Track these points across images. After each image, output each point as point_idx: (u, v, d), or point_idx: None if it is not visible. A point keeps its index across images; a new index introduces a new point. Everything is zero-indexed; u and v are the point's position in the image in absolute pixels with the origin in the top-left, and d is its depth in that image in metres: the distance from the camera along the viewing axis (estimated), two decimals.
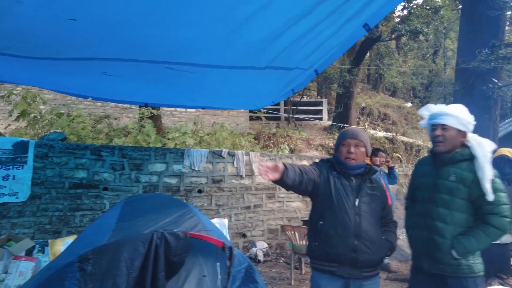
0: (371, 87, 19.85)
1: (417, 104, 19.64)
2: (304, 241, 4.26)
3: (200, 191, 5.61)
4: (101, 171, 5.08)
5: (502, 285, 4.05)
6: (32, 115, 6.05)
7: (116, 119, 7.97)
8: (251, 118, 12.52)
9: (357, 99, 16.00)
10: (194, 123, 9.03)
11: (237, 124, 11.87)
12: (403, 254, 5.20)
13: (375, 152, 4.94)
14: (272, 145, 8.97)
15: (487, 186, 1.93)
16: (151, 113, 8.20)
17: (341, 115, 12.16)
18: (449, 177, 2.02)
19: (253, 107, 5.68)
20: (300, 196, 6.37)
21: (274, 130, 10.47)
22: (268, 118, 12.34)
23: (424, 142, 11.38)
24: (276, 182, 1.85)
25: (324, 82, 12.00)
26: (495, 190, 1.94)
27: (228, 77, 3.58)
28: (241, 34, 2.47)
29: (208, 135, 7.98)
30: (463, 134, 2.04)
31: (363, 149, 2.10)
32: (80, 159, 4.96)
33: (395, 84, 19.57)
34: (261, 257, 5.24)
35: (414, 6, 10.65)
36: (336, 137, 10.72)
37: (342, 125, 11.62)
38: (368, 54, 16.55)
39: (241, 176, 5.92)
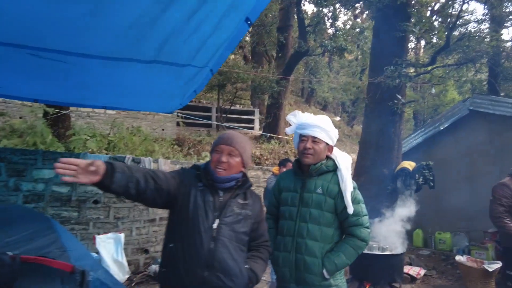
0: (304, 101, 20.54)
1: (345, 119, 20.69)
2: None
3: (96, 202, 4.98)
4: None
5: None
6: None
7: (21, 118, 6.93)
8: (178, 124, 11.99)
9: (289, 110, 16.40)
10: (112, 126, 8.28)
11: (163, 130, 11.26)
12: None
13: (284, 162, 4.83)
14: (192, 153, 8.56)
15: (348, 198, 1.84)
16: (57, 112, 7.31)
17: (270, 125, 12.21)
18: (316, 190, 1.86)
19: (159, 109, 5.28)
20: None
21: (200, 137, 10.08)
22: (197, 125, 11.93)
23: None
24: (100, 187, 1.45)
25: (254, 91, 11.96)
26: (357, 201, 1.88)
27: (114, 70, 3.18)
28: (100, 18, 2.12)
29: (122, 139, 7.32)
30: (330, 147, 1.98)
31: (237, 159, 1.74)
32: None
33: (326, 99, 20.46)
34: None
35: (340, 26, 11.20)
36: (269, 147, 10.73)
37: (271, 135, 11.69)
38: (301, 68, 17.13)
39: None
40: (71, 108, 10.31)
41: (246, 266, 1.69)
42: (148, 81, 3.56)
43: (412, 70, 5.59)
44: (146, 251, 5.24)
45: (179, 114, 11.52)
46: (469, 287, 4.46)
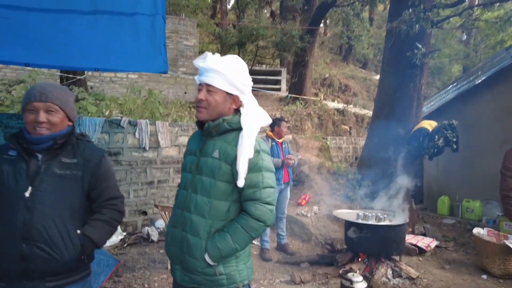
0: (341, 58, 19.19)
1: None
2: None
3: None
4: None
5: (392, 268, 3.72)
6: None
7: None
8: None
9: (323, 69, 15.41)
10: (131, 90, 8.29)
11: (185, 93, 11.19)
12: (307, 233, 4.83)
13: (277, 122, 4.43)
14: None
15: (241, 166, 1.40)
16: (73, 77, 7.44)
17: (296, 85, 11.57)
18: (212, 153, 1.48)
19: (144, 69, 5.08)
20: None
21: None
22: None
23: None
24: None
25: (277, 49, 11.24)
26: (258, 168, 1.42)
27: (60, 25, 2.98)
28: None
29: (131, 102, 7.28)
30: (234, 98, 1.50)
31: (60, 115, 1.50)
32: None
33: (366, 56, 18.95)
34: (155, 236, 4.78)
35: None
36: (292, 108, 10.23)
37: (295, 96, 11.10)
38: (336, 22, 15.75)
39: (144, 149, 5.33)
40: (95, 73, 10.55)
41: (78, 231, 1.49)
42: (108, 38, 3.32)
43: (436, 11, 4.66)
44: (144, 213, 5.28)
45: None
46: (486, 263, 3.90)
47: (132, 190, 5.22)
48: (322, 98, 12.23)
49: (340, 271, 3.39)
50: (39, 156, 1.48)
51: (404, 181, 4.63)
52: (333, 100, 12.73)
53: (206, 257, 1.39)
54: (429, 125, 5.05)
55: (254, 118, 1.48)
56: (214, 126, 1.47)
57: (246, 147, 1.40)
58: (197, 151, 1.55)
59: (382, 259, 3.76)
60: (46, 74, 8.55)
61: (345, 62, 18.89)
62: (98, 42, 3.52)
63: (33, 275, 1.41)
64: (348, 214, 4.04)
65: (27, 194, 1.42)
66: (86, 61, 4.58)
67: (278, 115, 9.81)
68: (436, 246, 4.64)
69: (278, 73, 12.88)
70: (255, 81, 10.95)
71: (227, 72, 1.45)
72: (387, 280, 3.59)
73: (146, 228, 4.91)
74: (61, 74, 7.90)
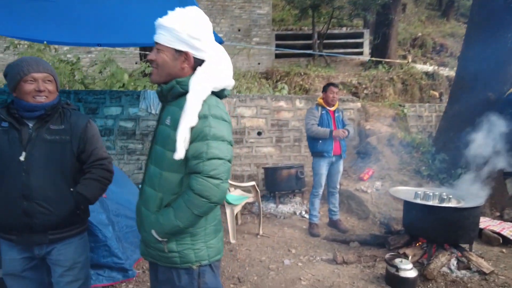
0: (440, 14, 16.50)
1: None
2: None
3: None
4: None
5: (458, 258, 3.15)
6: None
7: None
8: (277, 56, 11.54)
9: (415, 28, 13.54)
10: None
11: (258, 64, 11.12)
12: (364, 211, 4.40)
13: (325, 87, 4.02)
14: (279, 85, 8.12)
15: (178, 136, 1.23)
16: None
17: (378, 47, 10.42)
18: (165, 120, 1.34)
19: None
20: (273, 140, 5.75)
21: (288, 68, 9.50)
22: (297, 56, 11.26)
23: None
24: None
25: (354, 7, 10.18)
26: (203, 136, 1.24)
27: (122, 7, 3.28)
28: None
29: None
30: (185, 56, 1.30)
31: (54, 84, 1.69)
32: None
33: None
34: None
35: None
36: (372, 73, 9.36)
37: (378, 59, 10.05)
38: None
39: None
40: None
41: (72, 189, 1.67)
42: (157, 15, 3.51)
43: None
44: None
45: (276, 47, 11.05)
46: None
47: None
48: (410, 60, 10.81)
49: (387, 255, 3.01)
50: (30, 124, 1.65)
51: (491, 156, 3.83)
52: (424, 63, 11.14)
53: (153, 232, 1.31)
54: None
55: (206, 77, 1.27)
56: (168, 90, 1.33)
57: (188, 113, 1.23)
58: (159, 118, 1.44)
59: (446, 246, 3.21)
60: (126, 53, 9.37)
61: (445, 17, 16.19)
62: (150, 19, 3.73)
63: (37, 228, 1.62)
64: (405, 192, 3.52)
65: (22, 158, 1.59)
66: (145, 37, 4.89)
67: (354, 82, 9.07)
68: None
69: (360, 35, 11.76)
70: (332, 45, 10.26)
71: (174, 26, 1.27)
72: (448, 271, 3.06)
73: None
74: (140, 52, 8.55)
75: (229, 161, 1.29)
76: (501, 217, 4.14)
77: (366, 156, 5.51)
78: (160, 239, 1.31)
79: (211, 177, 1.23)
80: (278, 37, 11.35)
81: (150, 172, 1.38)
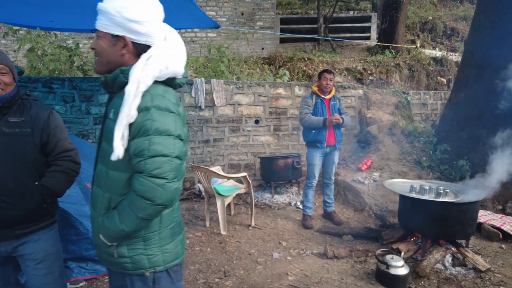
0: None
1: None
2: (210, 184, 3.73)
3: None
4: (53, 103, 5.07)
5: (453, 254, 3.03)
6: (39, 51, 6.16)
7: None
8: (282, 41, 11.27)
9: (426, 11, 13.03)
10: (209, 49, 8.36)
11: (262, 49, 10.88)
12: (361, 202, 4.27)
13: (319, 74, 3.85)
14: (281, 71, 7.92)
15: (116, 132, 1.11)
16: None
17: (386, 31, 10.07)
18: (110, 113, 1.22)
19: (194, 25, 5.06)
20: (271, 129, 5.62)
21: (292, 53, 9.25)
22: (302, 40, 11.00)
23: None
24: None
25: None
26: (145, 131, 1.11)
27: None
28: None
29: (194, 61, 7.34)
30: (123, 41, 1.18)
31: (10, 76, 1.63)
32: (32, 92, 4.99)
33: None
34: None
35: None
36: (377, 59, 9.07)
37: (385, 44, 9.73)
38: None
39: (200, 107, 5.37)
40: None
41: (36, 183, 1.64)
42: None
43: None
44: None
45: (280, 32, 10.77)
46: None
47: (190, 148, 5.38)
48: (418, 45, 10.43)
49: (378, 251, 2.91)
50: None
51: (495, 148, 3.64)
52: (434, 48, 10.74)
53: (101, 236, 1.22)
54: None
55: (150, 65, 1.14)
56: (112, 79, 1.20)
57: (125, 107, 1.11)
58: (105, 112, 1.33)
59: (442, 242, 3.09)
60: None
61: (458, 0, 15.53)
62: None
63: (1, 224, 1.59)
64: (401, 185, 3.38)
65: None
66: None
67: (359, 67, 8.80)
68: None
69: (367, 19, 11.36)
70: (339, 30, 9.92)
71: (109, 9, 1.15)
72: (442, 268, 2.95)
73: (198, 185, 5.07)
74: None
75: (178, 157, 1.16)
76: (503, 211, 3.99)
77: (366, 145, 5.35)
78: (108, 243, 1.22)
79: (154, 176, 1.11)
80: (283, 21, 11.05)
81: (97, 171, 1.28)
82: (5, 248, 1.63)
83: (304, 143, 3.97)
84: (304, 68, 8.77)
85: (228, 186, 3.97)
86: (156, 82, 1.18)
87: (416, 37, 11.52)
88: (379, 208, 4.11)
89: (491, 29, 4.10)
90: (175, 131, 1.15)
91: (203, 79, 5.44)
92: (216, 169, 4.16)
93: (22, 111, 1.65)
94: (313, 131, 3.75)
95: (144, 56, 1.17)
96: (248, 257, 3.23)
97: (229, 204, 4.28)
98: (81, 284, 2.68)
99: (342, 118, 3.71)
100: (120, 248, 1.23)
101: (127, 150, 1.16)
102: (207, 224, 3.97)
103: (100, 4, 1.17)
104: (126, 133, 1.12)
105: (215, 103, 5.40)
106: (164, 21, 4.46)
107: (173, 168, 1.14)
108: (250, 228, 3.89)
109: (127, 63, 1.20)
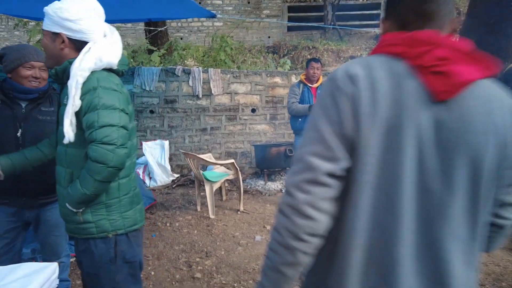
0: None
1: None
2: (200, 170, 3.88)
3: (152, 112, 5.48)
4: None
5: None
6: None
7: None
8: (290, 29, 11.22)
9: None
10: (213, 38, 8.46)
11: (269, 37, 10.88)
12: None
13: (307, 63, 3.90)
14: (285, 60, 7.95)
15: (65, 120, 1.30)
16: (154, 30, 7.99)
17: None
18: (64, 99, 1.41)
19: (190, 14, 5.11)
20: (267, 118, 5.71)
21: (297, 41, 9.23)
22: (309, 28, 10.93)
23: None
24: None
25: None
26: (93, 107, 1.30)
27: None
28: None
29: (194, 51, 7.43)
30: (61, 37, 1.37)
31: (47, 72, 1.87)
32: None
33: None
34: None
35: None
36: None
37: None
38: None
39: (197, 96, 5.51)
40: (184, 24, 11.09)
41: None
42: None
43: None
44: None
45: (288, 21, 10.72)
46: None
47: (187, 136, 5.55)
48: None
49: None
50: (23, 105, 1.85)
51: None
52: None
53: (67, 204, 1.40)
54: None
55: (87, 59, 1.32)
56: (62, 70, 1.40)
57: (70, 98, 1.31)
58: (59, 100, 1.53)
59: None
60: (132, 29, 9.39)
61: None
62: None
63: (29, 193, 1.87)
64: None
65: (18, 134, 1.81)
66: (146, 12, 4.92)
67: (364, 56, 8.71)
68: None
69: (376, 6, 11.15)
70: (347, 17, 9.81)
71: (48, 10, 1.36)
72: None
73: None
74: (145, 28, 8.55)
75: (124, 127, 1.34)
76: None
77: None
78: (74, 210, 1.39)
79: (104, 143, 1.29)
80: (291, 9, 10.99)
81: (58, 151, 1.47)
82: (29, 214, 1.92)
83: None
84: (309, 56, 8.74)
85: (218, 173, 4.11)
86: (102, 69, 1.38)
87: None
88: None
89: (486, 15, 4.03)
90: (119, 105, 1.35)
91: (200, 68, 5.57)
92: (207, 156, 4.30)
93: (51, 102, 1.93)
94: (300, 119, 3.82)
95: (83, 51, 1.35)
96: (231, 239, 3.38)
97: (221, 190, 4.44)
98: (72, 260, 2.89)
99: None
100: (85, 214, 1.40)
101: (81, 128, 1.36)
102: (198, 208, 4.13)
103: (48, 8, 1.37)
104: (74, 120, 1.32)
105: (212, 92, 5.52)
106: (156, 11, 4.62)
107: (120, 136, 1.32)
108: (239, 212, 4.04)
109: (67, 57, 1.38)
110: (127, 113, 1.39)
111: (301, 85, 3.90)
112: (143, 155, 4.97)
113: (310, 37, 10.57)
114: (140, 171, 4.96)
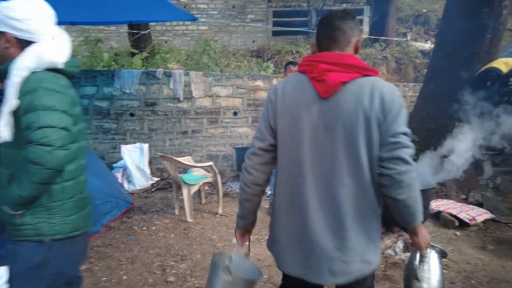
0: None
1: None
2: (178, 173, 3.85)
3: (132, 115, 5.42)
4: None
5: (406, 241, 3.12)
6: None
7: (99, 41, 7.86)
8: (275, 34, 11.29)
9: (422, 4, 12.94)
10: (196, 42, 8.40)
11: (253, 41, 10.91)
12: None
13: (285, 66, 3.93)
14: (269, 64, 7.98)
15: (2, 121, 1.28)
16: (137, 33, 7.92)
17: (376, 24, 10.08)
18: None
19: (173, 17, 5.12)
20: (249, 121, 5.71)
21: (280, 46, 9.29)
22: (293, 33, 11.02)
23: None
24: None
25: None
26: (33, 107, 1.27)
27: None
28: None
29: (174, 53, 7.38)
30: (5, 37, 1.34)
31: None
32: None
33: None
34: None
35: None
36: (365, 52, 9.10)
37: (376, 37, 9.75)
38: None
39: (178, 99, 5.47)
40: (169, 27, 11.02)
41: None
42: None
43: None
44: None
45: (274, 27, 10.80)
46: None
47: (168, 139, 5.50)
48: (409, 38, 10.42)
49: None
50: None
51: (460, 140, 3.72)
52: (426, 41, 10.70)
53: (5, 206, 1.34)
54: (505, 64, 3.78)
55: (28, 58, 1.30)
56: (4, 70, 1.36)
57: (7, 97, 1.28)
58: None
59: (395, 229, 3.19)
60: (115, 32, 9.31)
61: None
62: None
63: None
64: None
65: None
66: (120, 15, 4.87)
67: None
68: (493, 220, 3.70)
69: (359, 12, 11.33)
70: None
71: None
72: (392, 253, 3.05)
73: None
74: (128, 30, 8.48)
75: (65, 129, 1.30)
76: (466, 200, 4.06)
77: None
78: (12, 212, 1.33)
79: (42, 144, 1.25)
80: (276, 14, 11.07)
81: (0, 153, 1.42)
82: None
83: None
84: (292, 60, 8.81)
85: (196, 175, 4.08)
86: (47, 69, 1.34)
87: (408, 30, 11.48)
88: None
89: (460, 19, 4.13)
90: (61, 107, 1.31)
91: (181, 71, 5.54)
92: (186, 159, 4.27)
93: None
94: None
95: (28, 50, 1.32)
96: (208, 243, 3.35)
97: (200, 193, 4.40)
98: None
99: None
100: (24, 217, 1.35)
101: (20, 129, 1.32)
102: (176, 212, 4.09)
103: None
104: (11, 119, 1.29)
105: (194, 94, 5.49)
106: (138, 14, 4.59)
107: (60, 137, 1.28)
108: (218, 215, 4.01)
109: (12, 56, 1.34)
110: (70, 115, 1.35)
111: None
112: (122, 158, 4.90)
113: (295, 42, 10.65)
114: (119, 174, 4.89)
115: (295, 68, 3.88)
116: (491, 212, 3.71)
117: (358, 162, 1.17)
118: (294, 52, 9.05)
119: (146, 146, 5.05)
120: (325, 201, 1.20)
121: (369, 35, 10.22)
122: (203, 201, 4.43)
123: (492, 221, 3.70)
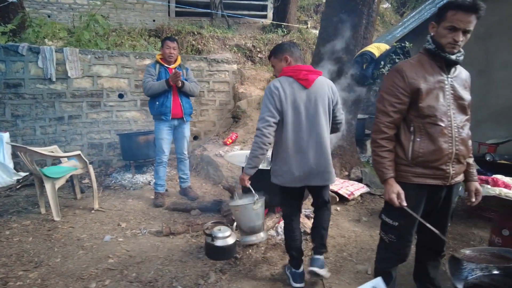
0: None
1: (394, 4, 16.80)
2: (36, 165, 3.26)
3: None
4: None
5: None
6: None
7: None
8: (178, 14, 10.62)
9: None
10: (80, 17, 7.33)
11: (153, 21, 10.14)
12: (219, 176, 4.23)
13: (162, 43, 3.60)
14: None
15: None
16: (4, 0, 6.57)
17: (279, 10, 10.22)
18: None
19: None
20: (138, 104, 5.22)
21: (181, 26, 8.78)
22: (196, 15, 10.50)
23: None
24: None
25: None
26: None
27: None
28: None
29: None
30: None
31: None
32: None
33: None
34: None
35: None
36: (267, 37, 9.11)
37: (278, 23, 9.87)
38: None
39: (50, 80, 4.69)
40: (52, 0, 9.56)
41: None
42: None
43: None
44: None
45: (170, 4, 10.15)
46: None
47: (39, 127, 4.71)
48: (309, 26, 10.85)
49: (206, 224, 2.83)
50: None
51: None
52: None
53: None
54: (377, 48, 4.04)
55: None
56: None
57: None
58: None
59: (277, 209, 3.16)
60: None
61: None
62: None
63: None
64: (241, 155, 3.36)
65: None
66: None
67: (250, 45, 8.77)
68: (370, 194, 3.98)
69: None
70: (236, 6, 9.57)
71: None
72: (274, 234, 3.02)
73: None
74: None
75: None
76: (348, 177, 4.30)
77: (238, 120, 5.31)
78: None
79: None
80: None
81: None
82: None
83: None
84: (193, 42, 8.41)
85: (63, 167, 3.52)
86: None
87: (309, 18, 11.95)
88: (235, 180, 4.10)
89: (340, 5, 4.27)
90: None
91: (52, 47, 4.75)
92: (52, 148, 3.67)
93: None
94: (157, 103, 3.50)
95: None
96: (74, 243, 2.90)
97: (74, 188, 3.84)
98: None
99: (183, 81, 3.51)
100: None
101: None
102: (42, 210, 3.49)
103: None
104: None
105: (69, 74, 4.77)
106: None
107: None
108: (93, 211, 3.54)
109: None
110: None
111: (158, 66, 3.56)
112: None
113: (199, 24, 10.23)
114: None
115: (174, 44, 3.56)
116: (368, 186, 3.98)
117: (328, 119, 2.20)
118: (196, 33, 8.63)
119: (6, 135, 4.23)
120: (315, 143, 2.15)
121: (272, 20, 10.34)
122: (78, 196, 3.88)
123: (369, 194, 3.98)
